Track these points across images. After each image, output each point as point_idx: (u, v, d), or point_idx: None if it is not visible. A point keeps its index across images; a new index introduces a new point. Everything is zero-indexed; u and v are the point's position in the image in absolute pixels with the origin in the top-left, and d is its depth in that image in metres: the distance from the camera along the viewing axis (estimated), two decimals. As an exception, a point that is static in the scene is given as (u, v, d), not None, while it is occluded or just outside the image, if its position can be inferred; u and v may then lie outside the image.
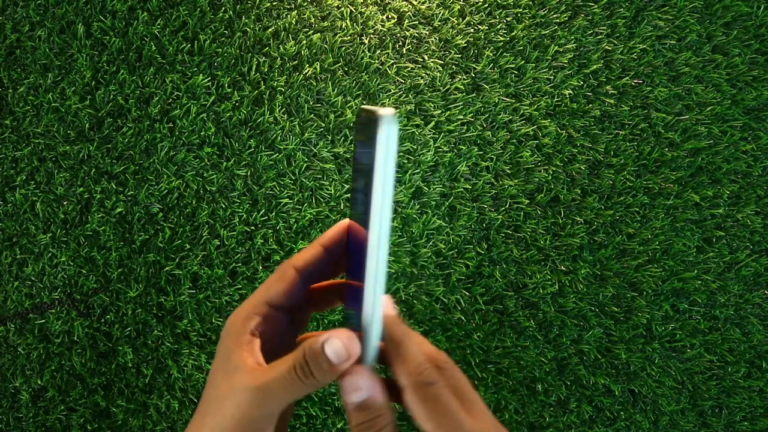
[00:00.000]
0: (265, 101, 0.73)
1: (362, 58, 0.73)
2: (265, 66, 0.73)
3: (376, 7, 0.74)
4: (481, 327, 0.74)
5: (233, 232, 0.72)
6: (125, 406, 0.73)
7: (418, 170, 0.71)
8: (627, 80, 0.75)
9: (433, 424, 0.29)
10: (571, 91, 0.74)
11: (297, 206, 0.72)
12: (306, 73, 0.73)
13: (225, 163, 0.72)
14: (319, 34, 0.73)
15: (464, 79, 0.74)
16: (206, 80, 0.72)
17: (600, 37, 0.75)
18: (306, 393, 0.29)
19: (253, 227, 0.73)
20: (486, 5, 0.74)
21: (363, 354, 0.30)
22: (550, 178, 0.74)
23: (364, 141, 0.28)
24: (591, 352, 0.75)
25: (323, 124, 0.71)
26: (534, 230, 0.74)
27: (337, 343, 0.29)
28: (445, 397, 0.30)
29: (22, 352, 0.73)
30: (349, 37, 0.73)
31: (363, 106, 0.28)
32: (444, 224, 0.72)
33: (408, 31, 0.74)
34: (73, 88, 0.72)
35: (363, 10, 0.73)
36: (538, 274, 0.74)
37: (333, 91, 0.73)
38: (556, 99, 0.74)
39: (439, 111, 0.72)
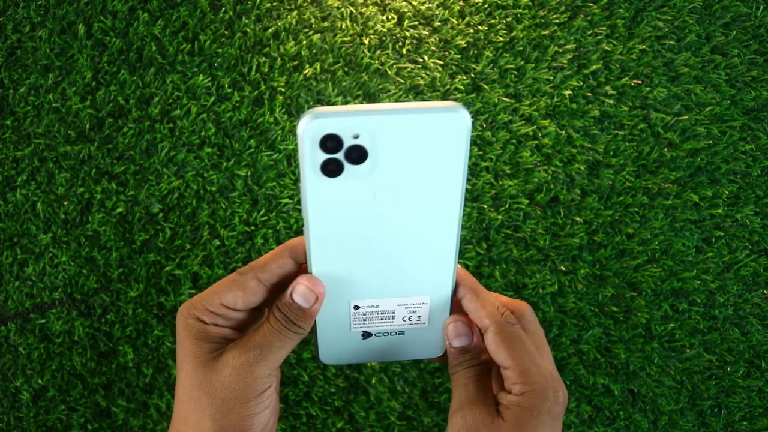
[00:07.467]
0: (266, 101, 0.73)
1: (362, 59, 0.73)
2: (266, 66, 0.73)
3: (377, 8, 0.74)
4: (480, 327, 0.74)
5: (233, 232, 0.73)
6: (126, 406, 0.73)
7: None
8: (626, 81, 0.75)
9: (514, 361, 0.32)
10: (570, 92, 0.74)
11: (297, 206, 0.72)
12: (306, 73, 0.73)
13: (225, 164, 0.73)
14: (319, 34, 0.73)
15: (464, 80, 0.74)
16: (206, 80, 0.72)
17: (599, 37, 0.75)
18: (294, 344, 0.32)
19: (253, 227, 0.73)
20: (486, 5, 0.74)
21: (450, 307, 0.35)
22: (549, 178, 0.74)
23: None
24: (590, 352, 0.75)
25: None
26: (534, 230, 0.74)
27: (301, 289, 0.32)
28: (525, 337, 0.33)
29: (23, 351, 0.73)
30: (349, 38, 0.73)
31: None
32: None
33: (408, 31, 0.74)
34: (74, 88, 0.72)
35: (363, 10, 0.73)
36: (538, 274, 0.75)
37: (333, 91, 0.73)
38: (555, 99, 0.74)
39: (439, 111, 0.72)
